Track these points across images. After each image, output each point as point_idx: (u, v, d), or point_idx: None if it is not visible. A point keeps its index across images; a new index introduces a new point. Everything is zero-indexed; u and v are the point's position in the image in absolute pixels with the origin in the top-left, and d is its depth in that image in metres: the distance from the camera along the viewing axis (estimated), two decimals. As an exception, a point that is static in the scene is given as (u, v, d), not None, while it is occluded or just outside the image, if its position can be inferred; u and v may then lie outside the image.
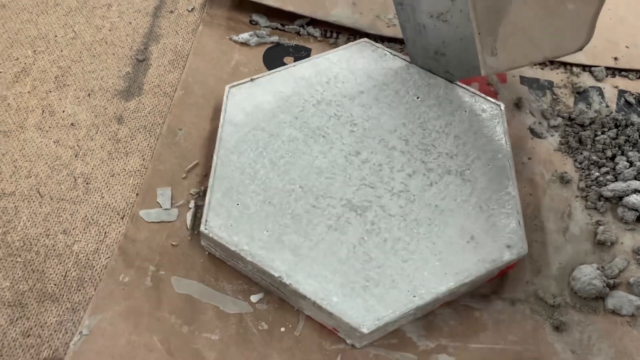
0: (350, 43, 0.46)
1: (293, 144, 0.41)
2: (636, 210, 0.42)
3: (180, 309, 0.36)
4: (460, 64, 0.42)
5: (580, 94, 0.50)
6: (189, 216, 0.40)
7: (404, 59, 0.45)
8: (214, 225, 0.37)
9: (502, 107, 0.43)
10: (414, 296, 0.35)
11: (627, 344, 0.38)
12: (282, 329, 0.37)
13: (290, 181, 0.39)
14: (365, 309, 0.35)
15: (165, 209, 0.41)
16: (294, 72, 0.44)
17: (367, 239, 0.37)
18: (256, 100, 0.43)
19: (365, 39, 0.46)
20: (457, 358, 0.36)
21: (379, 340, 0.36)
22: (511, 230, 0.38)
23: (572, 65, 0.51)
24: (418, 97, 0.43)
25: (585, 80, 0.51)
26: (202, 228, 0.37)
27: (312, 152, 0.40)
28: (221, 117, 0.42)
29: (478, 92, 0.43)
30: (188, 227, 0.40)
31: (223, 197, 0.38)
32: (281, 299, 0.37)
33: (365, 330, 0.34)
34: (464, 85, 0.44)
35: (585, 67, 0.51)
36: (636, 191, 0.42)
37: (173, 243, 0.39)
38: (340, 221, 0.37)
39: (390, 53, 0.45)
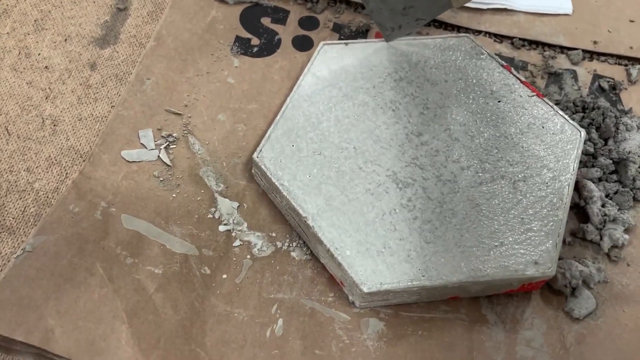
0: (451, 34, 0.47)
1: (362, 109, 0.42)
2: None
3: (127, 243, 0.37)
4: (430, 5, 0.42)
5: (553, 76, 0.49)
6: (164, 154, 0.42)
7: (499, 62, 0.45)
8: (266, 156, 0.40)
9: (582, 134, 0.42)
10: (423, 276, 0.36)
11: (561, 320, 0.38)
12: (224, 276, 0.38)
13: (347, 140, 0.41)
14: (372, 271, 0.36)
15: (151, 149, 0.42)
16: (387, 47, 0.45)
17: (399, 212, 0.38)
18: (343, 62, 0.44)
19: (468, 35, 0.46)
20: (387, 323, 0.37)
21: (316, 297, 0.38)
22: (545, 249, 0.37)
23: (550, 46, 0.51)
24: (499, 101, 0.43)
25: (562, 62, 0.50)
26: (254, 156, 0.40)
27: (377, 121, 0.42)
28: (306, 67, 0.44)
29: (562, 113, 0.42)
30: (168, 163, 0.42)
31: (282, 135, 0.41)
32: (224, 250, 0.39)
33: (365, 289, 0.35)
34: (550, 102, 0.43)
35: (563, 50, 0.51)
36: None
37: (155, 175, 0.41)
38: (380, 188, 0.39)
39: (488, 53, 0.45)
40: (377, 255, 0.36)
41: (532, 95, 0.43)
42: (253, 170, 0.42)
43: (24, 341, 0.32)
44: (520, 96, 0.43)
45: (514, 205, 0.39)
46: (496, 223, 0.38)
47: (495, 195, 0.39)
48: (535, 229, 0.38)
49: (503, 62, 0.45)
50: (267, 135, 0.41)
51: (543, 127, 0.42)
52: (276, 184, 0.39)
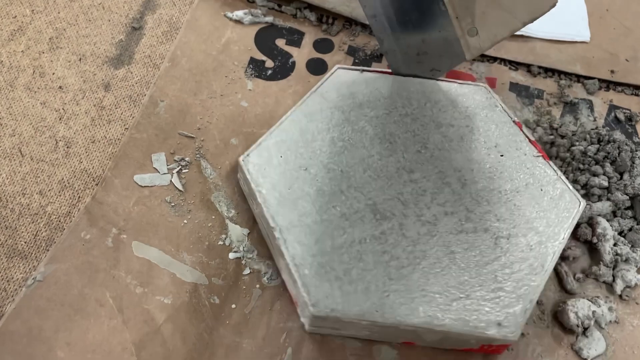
0: (470, 82, 0.46)
1: (359, 135, 0.42)
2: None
3: (137, 271, 0.38)
4: (444, 56, 0.41)
5: (569, 105, 0.49)
6: (176, 179, 0.42)
7: (511, 117, 0.44)
8: (252, 161, 0.40)
9: (582, 205, 0.40)
10: (377, 311, 0.35)
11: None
12: (233, 306, 0.38)
13: (336, 162, 0.41)
14: (326, 295, 0.35)
15: (163, 174, 0.42)
16: (401, 82, 0.45)
17: (369, 242, 0.37)
18: (354, 88, 0.44)
19: (486, 85, 0.46)
20: (399, 352, 0.37)
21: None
22: (512, 312, 0.36)
23: (566, 74, 0.50)
24: (502, 155, 0.42)
25: (578, 92, 0.50)
26: (240, 158, 0.40)
27: (372, 150, 0.41)
28: (315, 86, 0.44)
29: (565, 179, 0.41)
30: (180, 188, 0.42)
31: (273, 145, 0.41)
32: (234, 278, 0.39)
33: (313, 311, 0.35)
34: (554, 167, 0.42)
35: (579, 78, 0.50)
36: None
37: (167, 200, 0.41)
38: (356, 215, 0.38)
39: (502, 107, 0.44)
40: (335, 280, 0.36)
41: (538, 156, 0.42)
42: (238, 174, 0.42)
43: (34, 375, 0.32)
44: (525, 154, 0.42)
45: (491, 260, 0.37)
46: (467, 275, 0.37)
47: (473, 247, 0.38)
48: (507, 289, 0.37)
49: (515, 118, 0.44)
50: (258, 142, 0.41)
51: (541, 190, 0.40)
52: (254, 189, 0.39)
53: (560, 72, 0.50)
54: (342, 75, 0.45)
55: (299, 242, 0.37)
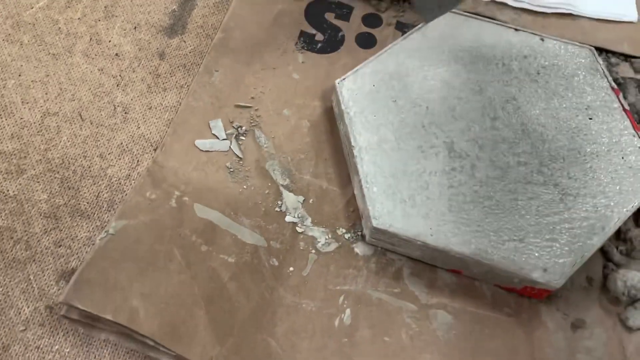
0: (576, 43, 0.46)
1: (451, 77, 0.44)
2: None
3: (201, 231, 0.38)
4: None
5: (617, 85, 0.49)
6: (235, 145, 0.43)
7: (610, 84, 0.44)
8: (346, 85, 0.43)
9: None
10: (432, 235, 0.37)
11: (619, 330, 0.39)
12: (291, 269, 0.39)
13: (424, 99, 0.42)
14: (388, 212, 0.38)
15: (222, 140, 0.43)
16: (506, 33, 0.46)
17: (438, 176, 0.39)
18: (456, 32, 0.46)
19: (591, 48, 0.46)
20: (454, 317, 0.38)
21: (383, 288, 0.38)
22: (561, 262, 0.37)
23: (613, 53, 0.51)
24: (591, 118, 0.42)
25: (625, 70, 0.50)
26: (336, 81, 0.43)
27: (460, 93, 0.43)
28: (419, 26, 0.46)
29: None
30: (240, 155, 0.43)
31: (369, 74, 0.43)
32: (291, 243, 0.40)
33: (374, 223, 0.37)
34: None
35: (627, 57, 0.51)
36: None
37: (227, 166, 0.42)
38: (432, 150, 0.40)
39: (603, 72, 0.44)
40: (399, 202, 0.38)
41: (627, 126, 0.42)
42: (332, 97, 0.45)
43: (113, 320, 0.33)
44: (615, 121, 0.42)
45: (553, 213, 0.38)
46: (525, 222, 0.38)
47: (538, 198, 0.39)
48: (561, 241, 0.38)
49: (615, 85, 0.44)
50: (355, 69, 0.44)
51: (623, 159, 0.41)
52: (344, 110, 0.42)
53: (607, 51, 0.51)
54: (449, 18, 0.46)
55: (373, 163, 0.40)
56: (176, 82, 0.47)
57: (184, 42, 0.48)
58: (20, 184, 0.41)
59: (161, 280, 0.35)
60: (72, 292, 0.33)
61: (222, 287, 0.36)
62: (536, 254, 0.37)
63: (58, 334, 0.37)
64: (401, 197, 0.39)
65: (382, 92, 0.43)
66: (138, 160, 0.43)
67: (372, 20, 0.51)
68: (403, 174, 0.39)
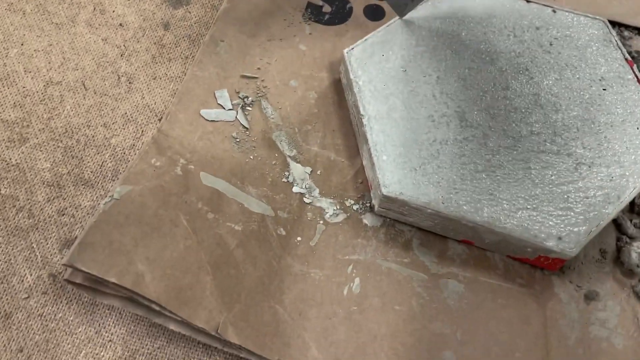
0: (589, 15, 0.45)
1: (462, 47, 0.43)
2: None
3: (208, 199, 0.38)
4: None
5: (632, 59, 0.48)
6: (241, 115, 0.42)
7: (624, 55, 0.43)
8: (355, 54, 0.43)
9: None
10: (443, 203, 0.36)
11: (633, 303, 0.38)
12: (299, 238, 0.38)
13: (434, 68, 0.42)
14: (398, 180, 0.37)
15: (228, 110, 0.42)
16: (517, 4, 0.45)
17: (450, 144, 0.39)
18: (467, 3, 0.45)
19: (604, 20, 0.45)
20: (466, 286, 0.37)
21: (392, 258, 0.38)
22: (576, 231, 0.36)
23: (627, 27, 0.50)
24: (605, 89, 0.41)
25: (638, 44, 0.49)
26: (345, 50, 0.43)
27: (472, 63, 0.42)
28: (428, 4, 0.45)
29: None
30: (246, 125, 0.42)
31: (378, 43, 0.43)
32: (298, 213, 0.39)
33: (384, 191, 0.37)
34: None
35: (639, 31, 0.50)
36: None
37: (233, 135, 0.41)
38: (443, 119, 0.40)
39: (617, 43, 0.43)
40: (410, 171, 0.38)
41: None
42: (340, 67, 0.45)
43: (118, 283, 0.32)
44: (630, 92, 0.41)
45: (567, 182, 0.38)
46: (539, 190, 0.37)
47: (551, 167, 0.38)
48: (576, 210, 0.37)
49: (629, 56, 0.43)
50: (364, 38, 0.43)
51: (638, 129, 0.40)
52: (352, 80, 0.41)
53: (621, 25, 0.50)
54: None
55: (383, 132, 0.39)
56: (181, 52, 0.46)
57: (189, 12, 0.48)
58: (22, 152, 0.40)
59: (167, 245, 0.34)
60: (76, 254, 0.33)
61: (229, 254, 0.35)
62: (550, 222, 0.36)
63: (61, 302, 0.36)
64: (411, 165, 0.38)
65: (392, 61, 0.42)
66: (142, 130, 0.42)
67: (380, -8, 0.51)
68: (413, 143, 0.39)
